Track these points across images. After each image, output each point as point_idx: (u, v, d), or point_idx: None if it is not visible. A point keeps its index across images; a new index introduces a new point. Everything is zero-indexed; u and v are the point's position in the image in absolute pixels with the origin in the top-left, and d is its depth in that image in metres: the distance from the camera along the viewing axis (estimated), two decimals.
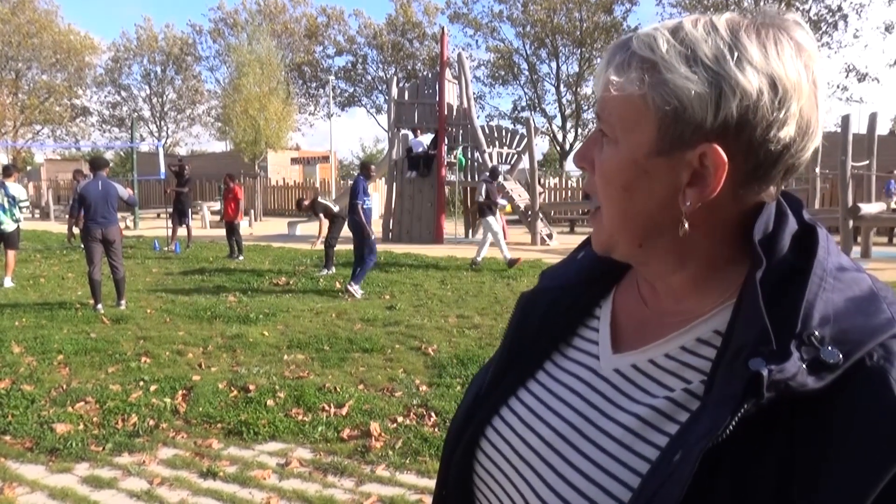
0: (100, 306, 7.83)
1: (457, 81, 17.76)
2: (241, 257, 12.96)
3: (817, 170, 14.35)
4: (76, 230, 9.10)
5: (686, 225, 0.61)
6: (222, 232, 14.41)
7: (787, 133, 0.58)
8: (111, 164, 10.85)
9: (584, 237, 0.80)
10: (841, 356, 0.52)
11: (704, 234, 0.63)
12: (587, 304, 0.76)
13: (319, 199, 11.71)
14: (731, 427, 0.52)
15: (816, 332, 0.53)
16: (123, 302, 8.09)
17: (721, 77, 0.56)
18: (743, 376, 0.53)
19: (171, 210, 14.90)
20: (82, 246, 8.42)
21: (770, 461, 0.52)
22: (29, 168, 45.20)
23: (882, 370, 0.52)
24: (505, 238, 16.13)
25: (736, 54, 0.57)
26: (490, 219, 11.48)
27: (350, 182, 9.16)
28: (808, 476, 0.51)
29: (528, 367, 0.75)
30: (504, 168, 18.46)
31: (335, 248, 11.16)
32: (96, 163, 8.49)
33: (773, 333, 0.54)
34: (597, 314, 0.75)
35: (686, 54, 0.58)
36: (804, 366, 0.52)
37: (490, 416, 0.74)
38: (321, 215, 11.36)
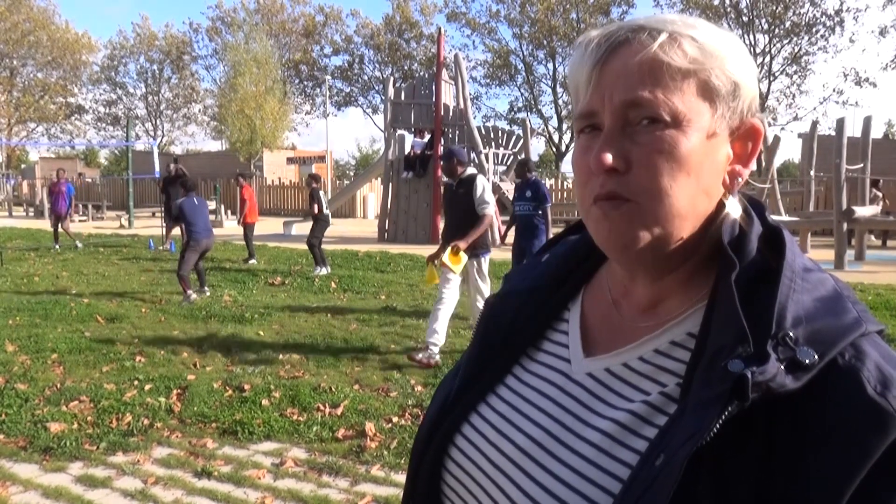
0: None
1: (453, 82, 17.76)
2: (252, 261, 12.23)
3: (812, 173, 14.42)
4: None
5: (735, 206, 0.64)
6: (219, 231, 14.34)
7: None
8: (105, 163, 11.08)
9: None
10: (816, 356, 0.53)
11: (700, 231, 0.62)
12: (555, 308, 0.75)
13: (319, 191, 11.52)
14: (714, 430, 0.52)
15: (791, 333, 0.54)
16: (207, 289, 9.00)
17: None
18: (723, 379, 0.53)
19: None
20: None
21: (749, 461, 0.53)
22: (23, 166, 45.01)
23: (854, 369, 0.53)
24: (503, 239, 16.17)
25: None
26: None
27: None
28: (787, 474, 0.52)
29: (497, 372, 0.73)
30: (500, 169, 18.51)
31: (322, 248, 11.12)
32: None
33: (750, 335, 0.54)
34: (565, 317, 0.74)
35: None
36: (782, 366, 0.53)
37: (459, 424, 0.72)
38: (315, 206, 11.24)
